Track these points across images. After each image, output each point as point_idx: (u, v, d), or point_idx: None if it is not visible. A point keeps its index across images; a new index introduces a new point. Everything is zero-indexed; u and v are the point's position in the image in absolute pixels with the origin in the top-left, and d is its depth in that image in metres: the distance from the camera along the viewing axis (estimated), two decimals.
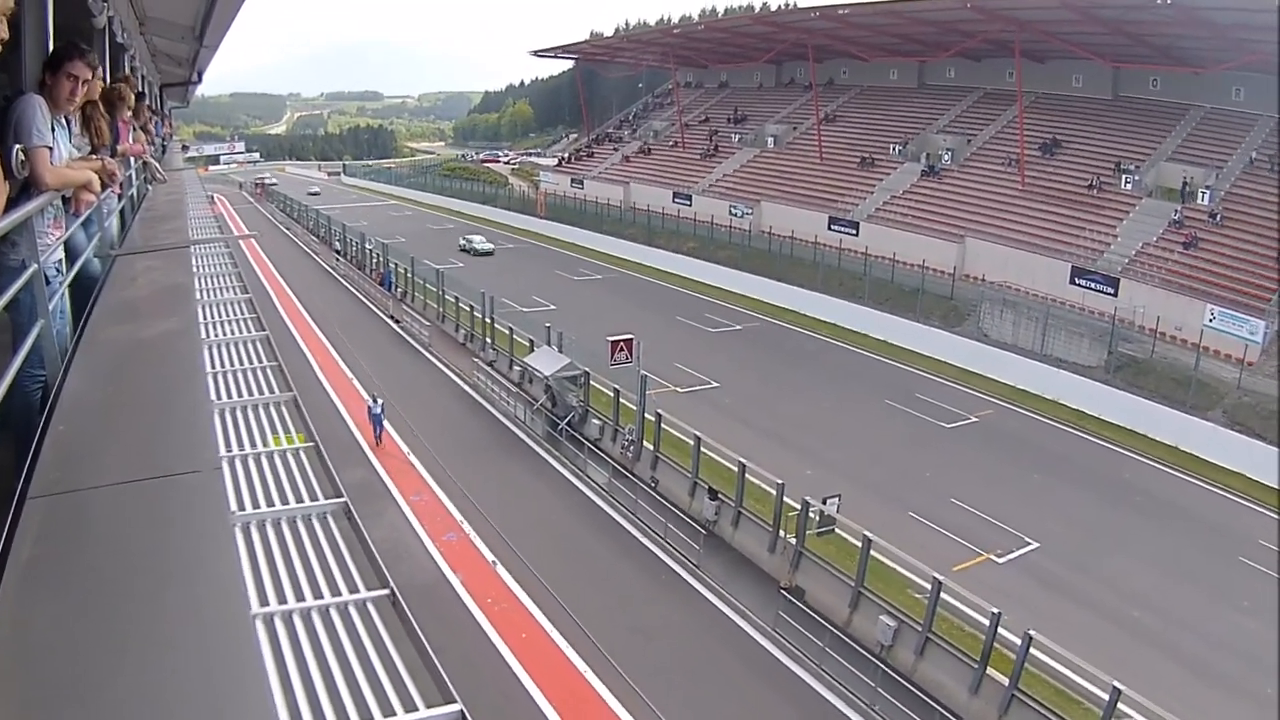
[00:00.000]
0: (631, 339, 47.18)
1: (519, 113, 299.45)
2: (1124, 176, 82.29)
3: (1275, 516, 44.69)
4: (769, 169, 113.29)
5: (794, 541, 34.73)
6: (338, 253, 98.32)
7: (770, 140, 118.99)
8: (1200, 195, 77.06)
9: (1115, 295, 70.12)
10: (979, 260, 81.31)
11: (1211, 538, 42.12)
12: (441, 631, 28.82)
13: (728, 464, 40.00)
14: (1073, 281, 73.79)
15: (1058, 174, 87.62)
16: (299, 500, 6.91)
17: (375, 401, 45.98)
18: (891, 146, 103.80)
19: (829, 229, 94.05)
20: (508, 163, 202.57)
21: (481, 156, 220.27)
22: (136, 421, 5.74)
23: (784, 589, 33.48)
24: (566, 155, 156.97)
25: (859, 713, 28.11)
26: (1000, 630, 27.29)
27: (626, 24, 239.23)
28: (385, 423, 46.32)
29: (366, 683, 5.21)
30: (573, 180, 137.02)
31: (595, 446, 46.07)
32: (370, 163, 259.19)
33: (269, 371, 9.50)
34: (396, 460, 45.02)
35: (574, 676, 28.83)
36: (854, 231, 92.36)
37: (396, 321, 71.97)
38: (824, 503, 34.75)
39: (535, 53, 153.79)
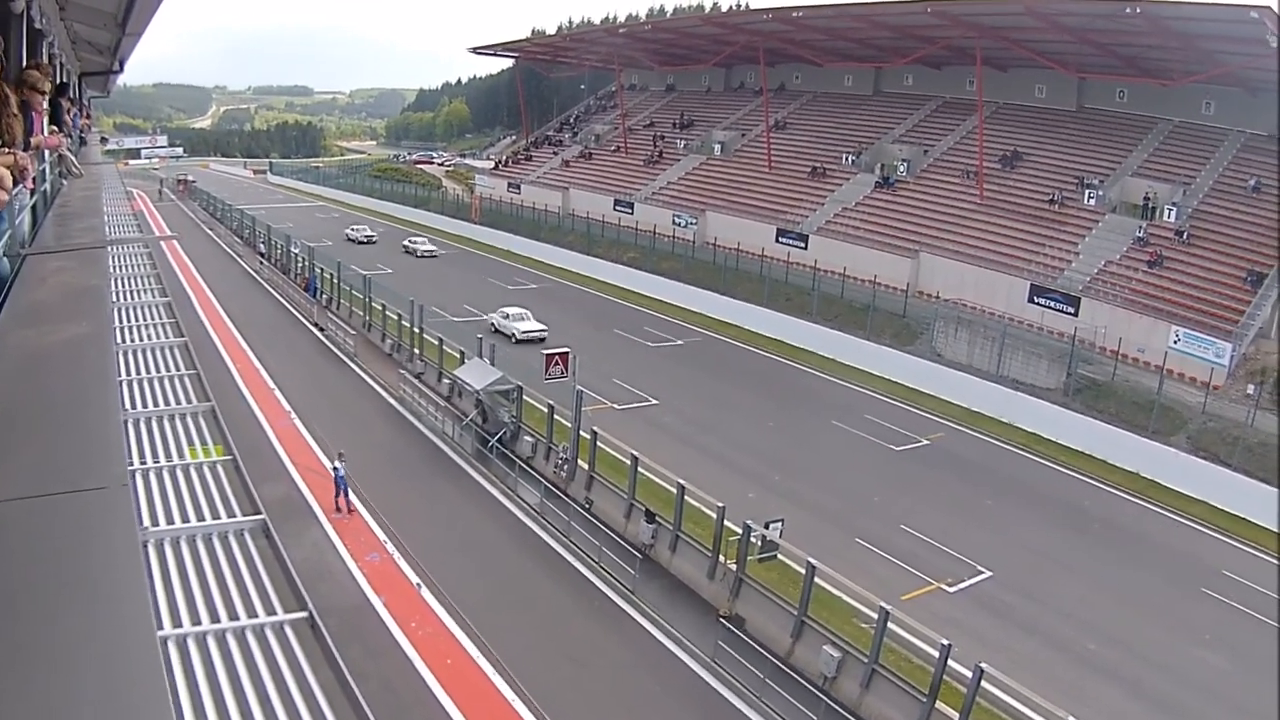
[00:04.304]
0: (567, 353, 47.27)
1: (455, 112, 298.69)
2: (1087, 191, 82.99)
3: (1243, 547, 45.37)
4: (715, 177, 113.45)
5: (734, 568, 34.76)
6: (262, 256, 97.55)
7: (717, 147, 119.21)
8: (1166, 212, 77.77)
9: (1076, 315, 70.42)
10: (934, 276, 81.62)
11: (1173, 568, 42.60)
12: (363, 657, 28.90)
13: (666, 485, 40.22)
14: (1031, 300, 74.15)
15: (1018, 188, 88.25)
16: (215, 516, 6.90)
17: (340, 459, 41.35)
18: (844, 156, 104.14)
19: (777, 241, 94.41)
20: (441, 164, 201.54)
21: (414, 158, 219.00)
22: (41, 432, 5.68)
23: (723, 617, 33.55)
24: (503, 158, 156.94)
25: None
26: (950, 662, 27.28)
27: (570, 22, 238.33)
28: (349, 489, 41.56)
29: (282, 708, 5.22)
30: (509, 184, 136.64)
31: (527, 465, 46.15)
32: (298, 161, 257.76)
33: (186, 380, 9.43)
34: (319, 476, 44.21)
35: (501, 706, 28.67)
36: (803, 244, 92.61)
37: (321, 329, 71.41)
38: (766, 527, 34.91)
39: (474, 50, 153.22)
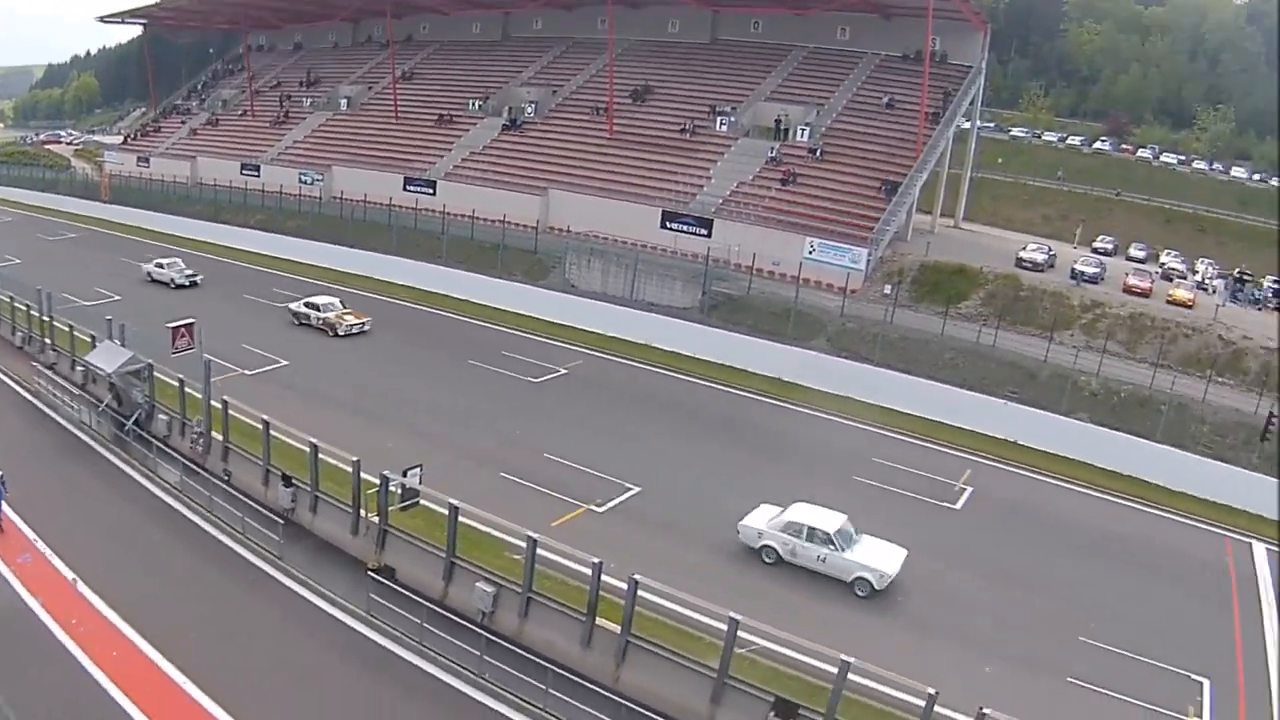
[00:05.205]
0: (193, 323, 43.44)
1: (84, 87, 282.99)
2: (719, 119, 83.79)
3: (888, 434, 48.61)
4: (342, 132, 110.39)
5: (377, 520, 33.94)
6: None
7: (343, 102, 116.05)
8: (799, 133, 79.70)
9: (709, 236, 71.44)
10: (564, 211, 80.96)
11: (823, 460, 44.98)
12: (28, 661, 27.96)
13: (302, 446, 37.41)
14: (664, 226, 74.65)
15: (649, 120, 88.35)
16: None
17: None
18: (472, 102, 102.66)
19: (404, 190, 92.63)
20: (70, 143, 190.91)
21: (42, 138, 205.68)
22: None
23: (372, 570, 32.73)
24: (133, 132, 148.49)
25: (468, 684, 28.15)
26: (607, 578, 28.03)
27: None
28: (5, 503, 36.64)
29: None
30: (139, 158, 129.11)
31: (164, 444, 42.46)
32: None
33: None
34: None
35: (170, 688, 27.12)
36: (431, 191, 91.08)
37: None
38: (404, 475, 34.13)
39: (102, 19, 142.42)
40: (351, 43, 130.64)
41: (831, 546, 33.98)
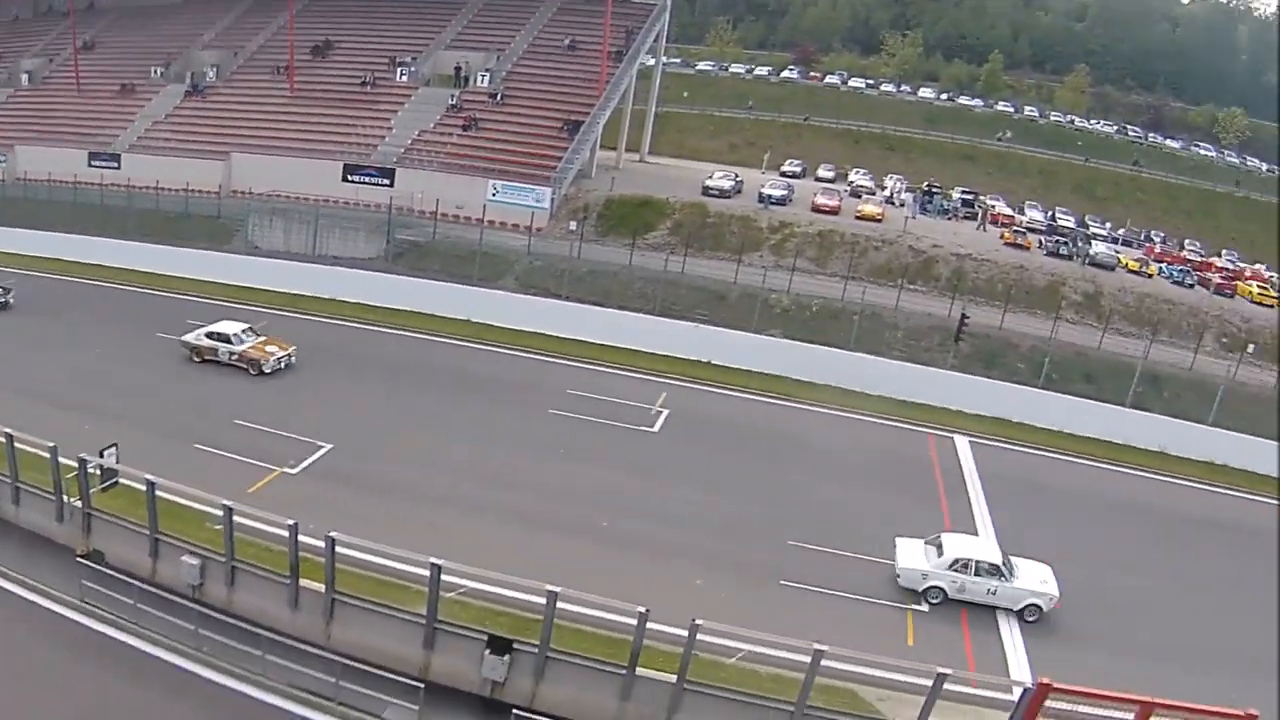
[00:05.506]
0: None
1: None
2: (399, 69, 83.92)
3: (582, 366, 50.14)
4: (25, 109, 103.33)
5: (80, 504, 32.97)
6: None
7: (25, 77, 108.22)
8: (480, 79, 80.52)
9: (391, 186, 71.43)
10: (247, 174, 78.83)
11: (518, 397, 46.15)
12: None
13: None
14: (346, 179, 74.37)
15: (329, 76, 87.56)
16: None
17: None
18: (154, 69, 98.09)
19: (90, 165, 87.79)
20: None
21: None
22: None
23: (81, 556, 32.14)
24: None
25: (187, 659, 28.22)
26: (306, 538, 27.84)
27: None
28: None
29: None
30: None
31: None
32: None
33: None
34: None
35: None
36: (116, 164, 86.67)
37: None
38: (101, 456, 33.29)
39: None
40: (33, 13, 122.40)
41: (1001, 578, 32.86)
